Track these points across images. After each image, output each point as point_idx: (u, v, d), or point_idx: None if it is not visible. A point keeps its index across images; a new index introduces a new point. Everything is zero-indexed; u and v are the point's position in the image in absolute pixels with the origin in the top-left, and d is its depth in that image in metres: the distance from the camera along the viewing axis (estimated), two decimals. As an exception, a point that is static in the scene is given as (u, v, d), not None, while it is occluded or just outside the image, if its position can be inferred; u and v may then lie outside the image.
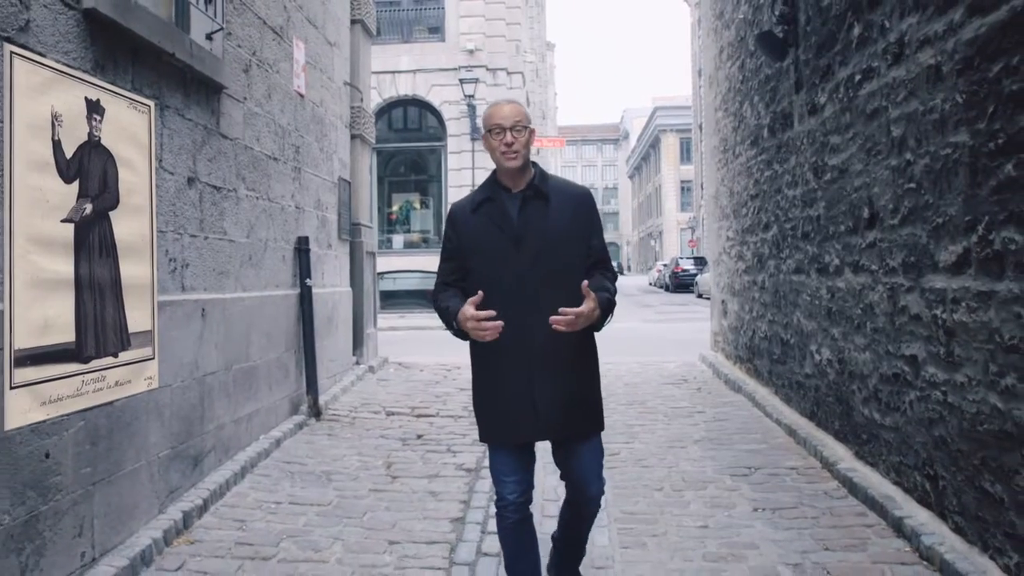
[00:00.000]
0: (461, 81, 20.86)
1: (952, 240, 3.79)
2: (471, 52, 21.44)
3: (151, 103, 4.34)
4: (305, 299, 6.87)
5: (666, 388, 8.39)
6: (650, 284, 44.61)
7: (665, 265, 40.71)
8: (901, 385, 4.40)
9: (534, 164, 3.01)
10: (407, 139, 22.93)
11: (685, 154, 59.53)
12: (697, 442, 6.10)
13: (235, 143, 5.52)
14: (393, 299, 20.21)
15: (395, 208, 23.23)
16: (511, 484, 3.00)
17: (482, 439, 3.10)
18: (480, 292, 2.85)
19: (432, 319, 18.86)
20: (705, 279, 24.65)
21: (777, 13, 6.19)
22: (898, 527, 4.15)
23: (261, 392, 5.99)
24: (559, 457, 3.07)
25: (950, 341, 3.83)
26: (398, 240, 22.39)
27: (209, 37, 5.14)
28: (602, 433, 3.10)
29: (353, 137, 9.06)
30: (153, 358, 4.33)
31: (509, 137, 2.88)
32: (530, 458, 3.09)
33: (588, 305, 2.78)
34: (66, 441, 3.54)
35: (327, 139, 7.90)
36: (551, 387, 2.90)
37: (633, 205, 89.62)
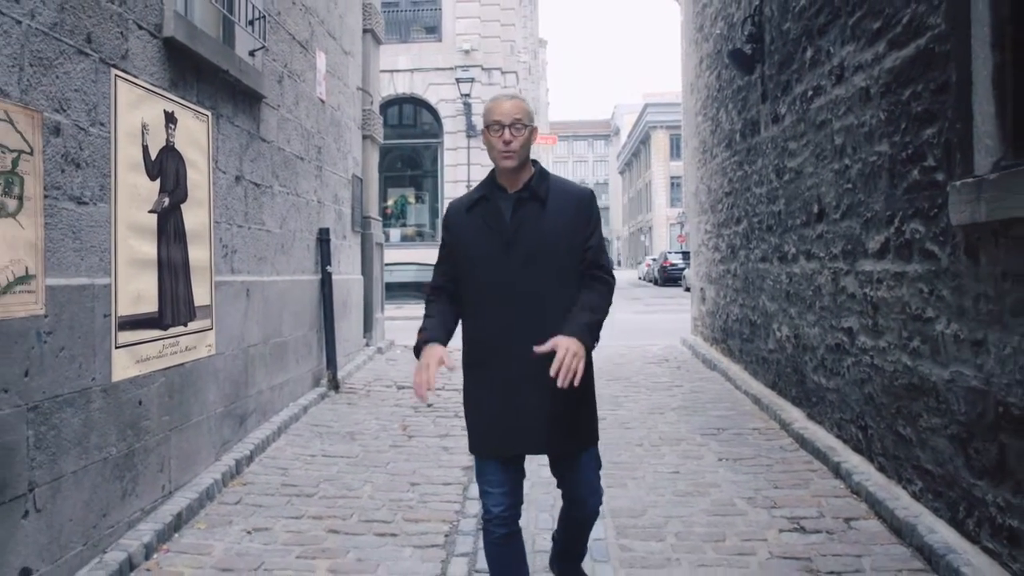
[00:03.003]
0: (457, 80, 21.64)
1: (877, 231, 4.62)
2: (467, 52, 22.22)
3: (209, 113, 5.13)
4: (326, 284, 7.67)
5: (649, 367, 9.24)
6: (640, 278, 45.46)
7: (654, 260, 41.54)
8: (841, 353, 5.24)
9: (535, 163, 2.89)
10: (403, 135, 23.60)
11: (675, 150, 60.26)
12: (674, 409, 6.95)
13: (271, 145, 6.31)
14: (389, 291, 20.95)
15: (391, 203, 23.92)
16: (497, 496, 2.86)
17: (470, 449, 2.97)
18: (444, 361, 2.70)
19: (429, 309, 19.73)
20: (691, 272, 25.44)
21: (746, 33, 7.02)
22: (836, 470, 4.98)
23: (290, 365, 6.79)
24: (556, 470, 2.97)
25: (875, 314, 4.67)
26: (395, 234, 23.10)
27: (252, 54, 5.93)
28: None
29: (364, 137, 9.88)
30: (212, 329, 5.13)
31: (507, 135, 2.72)
32: (518, 472, 2.92)
33: (560, 355, 2.55)
34: (152, 393, 4.34)
35: (343, 140, 8.70)
36: (539, 398, 2.72)
37: (624, 200, 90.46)
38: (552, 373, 2.53)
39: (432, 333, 2.79)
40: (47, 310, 3.40)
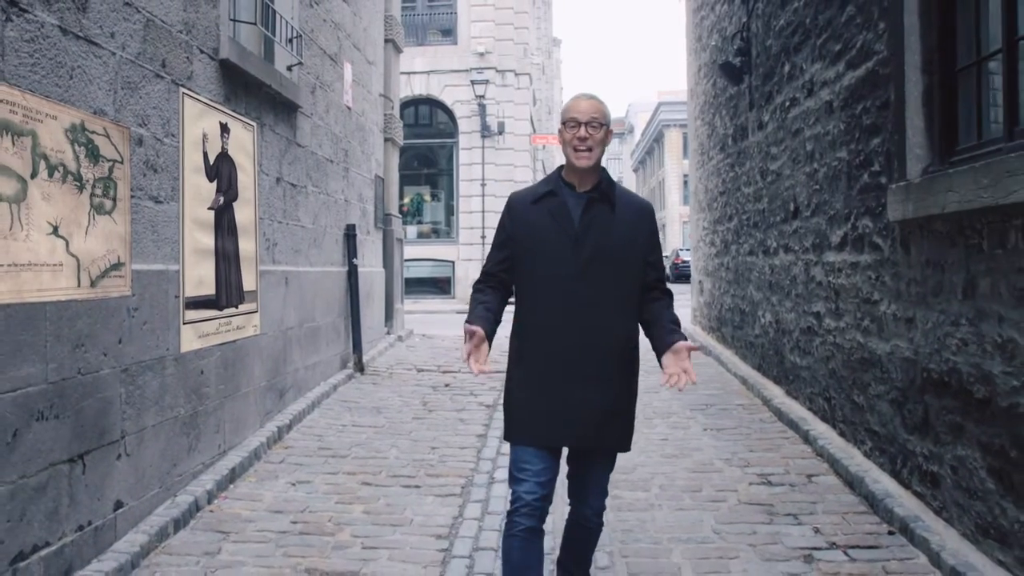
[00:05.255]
0: (472, 82, 22.32)
1: (838, 227, 5.29)
2: (482, 55, 22.90)
3: (254, 123, 5.85)
4: (352, 275, 8.40)
5: (649, 353, 9.87)
6: (652, 275, 45.84)
7: (666, 256, 42.09)
8: (811, 335, 5.91)
9: (603, 169, 2.94)
10: (419, 135, 24.25)
11: (689, 149, 60.62)
12: (669, 389, 7.62)
13: (305, 150, 7.04)
14: (406, 286, 21.69)
15: (407, 200, 24.61)
16: (531, 483, 2.83)
17: (507, 437, 2.96)
18: (482, 334, 2.76)
19: (443, 304, 20.42)
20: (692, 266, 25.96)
21: (735, 47, 7.69)
22: (806, 438, 5.66)
23: (321, 347, 7.53)
24: (573, 465, 3.00)
25: (837, 299, 5.34)
26: (411, 231, 23.78)
27: (289, 69, 6.65)
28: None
29: (385, 140, 10.61)
30: (257, 311, 5.86)
31: (583, 132, 2.78)
32: (556, 464, 2.92)
33: (685, 361, 2.79)
34: (211, 364, 5.06)
35: (367, 143, 9.43)
36: (590, 395, 2.81)
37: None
38: (684, 380, 2.78)
39: (476, 321, 2.81)
40: (133, 290, 4.12)
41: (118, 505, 3.92)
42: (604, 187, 2.87)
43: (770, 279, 7.09)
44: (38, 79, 3.37)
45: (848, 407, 5.18)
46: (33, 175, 3.33)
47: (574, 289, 2.79)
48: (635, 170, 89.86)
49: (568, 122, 2.82)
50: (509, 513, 2.88)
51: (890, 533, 4.06)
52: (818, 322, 5.75)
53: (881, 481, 4.51)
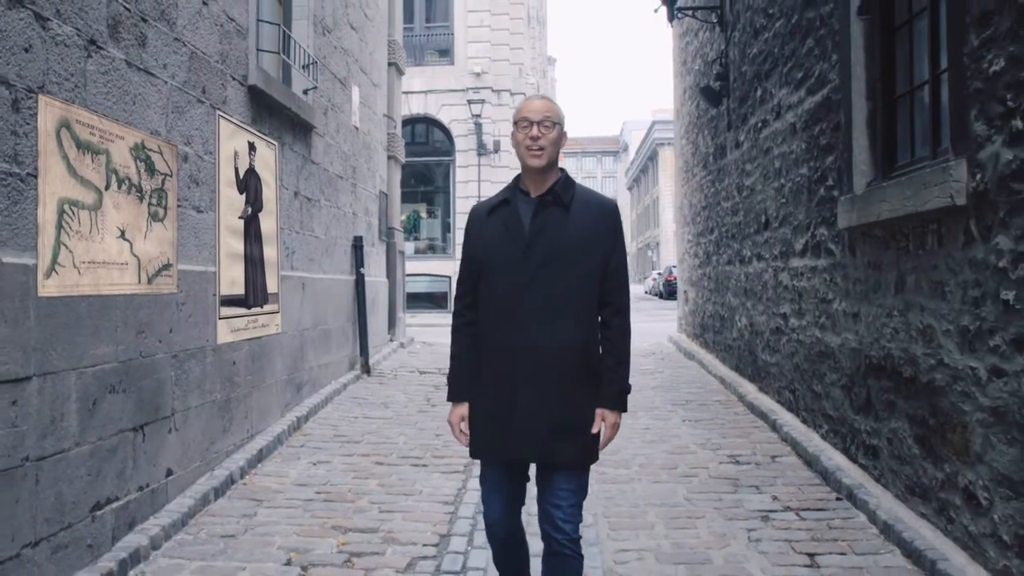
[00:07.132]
0: (469, 101, 23.04)
1: (801, 235, 5.94)
2: (478, 75, 23.62)
3: (276, 143, 6.48)
4: (359, 283, 9.01)
5: (636, 359, 10.51)
6: (646, 292, 46.56)
7: (660, 274, 42.69)
8: (779, 334, 6.54)
9: (562, 170, 2.83)
10: (417, 153, 24.85)
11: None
12: (652, 388, 8.26)
13: (319, 166, 7.68)
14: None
15: (404, 217, 25.21)
16: (494, 503, 2.85)
17: (471, 454, 2.88)
18: (461, 412, 2.86)
19: (440, 318, 21.04)
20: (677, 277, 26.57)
21: (715, 72, 8.37)
22: (773, 426, 6.27)
23: (332, 349, 8.13)
24: (539, 483, 2.82)
25: (800, 300, 5.98)
26: (408, 247, 24.35)
27: (305, 92, 7.29)
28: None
29: (389, 158, 11.26)
30: (279, 312, 6.47)
31: (535, 131, 2.70)
32: (520, 478, 2.88)
33: (607, 434, 2.76)
34: (241, 356, 5.67)
35: (372, 160, 10.08)
36: (539, 405, 2.68)
37: (632, 216, 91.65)
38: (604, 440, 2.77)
39: (456, 389, 2.89)
40: (179, 288, 4.74)
41: (169, 472, 4.52)
42: (558, 188, 2.77)
43: (745, 286, 7.73)
44: (110, 105, 4.00)
45: (809, 396, 5.80)
46: (107, 187, 3.96)
47: (524, 297, 2.70)
48: (630, 188, 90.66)
49: (520, 122, 2.75)
50: (486, 525, 2.93)
51: (838, 499, 4.67)
52: (784, 322, 6.38)
53: (834, 458, 5.12)
